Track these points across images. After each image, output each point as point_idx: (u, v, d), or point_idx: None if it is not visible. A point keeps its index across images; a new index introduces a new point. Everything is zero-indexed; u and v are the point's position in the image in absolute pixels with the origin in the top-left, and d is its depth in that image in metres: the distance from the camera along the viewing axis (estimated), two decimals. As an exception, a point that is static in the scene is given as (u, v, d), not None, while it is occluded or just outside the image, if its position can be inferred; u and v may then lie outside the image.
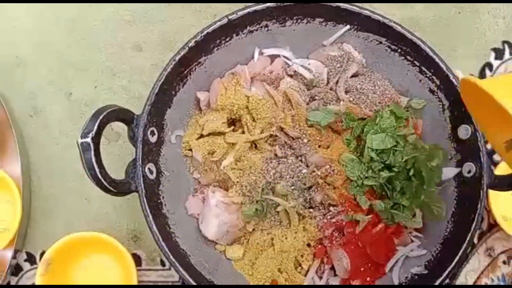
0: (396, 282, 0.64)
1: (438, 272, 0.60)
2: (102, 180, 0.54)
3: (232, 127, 0.68)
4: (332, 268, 0.65)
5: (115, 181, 0.56)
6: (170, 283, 0.72)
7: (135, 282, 0.67)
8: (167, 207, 0.63)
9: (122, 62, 0.78)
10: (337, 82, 0.69)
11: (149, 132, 0.61)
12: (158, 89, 0.62)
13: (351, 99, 0.68)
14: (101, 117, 0.55)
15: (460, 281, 0.73)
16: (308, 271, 0.65)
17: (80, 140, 0.53)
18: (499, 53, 0.81)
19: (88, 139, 0.53)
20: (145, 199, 0.58)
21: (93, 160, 0.53)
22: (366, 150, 0.63)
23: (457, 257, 0.60)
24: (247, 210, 0.63)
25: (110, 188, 0.55)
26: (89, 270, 0.71)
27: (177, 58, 0.63)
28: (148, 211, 0.58)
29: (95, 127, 0.54)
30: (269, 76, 0.69)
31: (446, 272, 0.59)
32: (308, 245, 0.65)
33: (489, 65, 0.81)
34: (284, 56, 0.71)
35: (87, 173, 0.54)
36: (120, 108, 0.58)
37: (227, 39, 0.67)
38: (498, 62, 0.81)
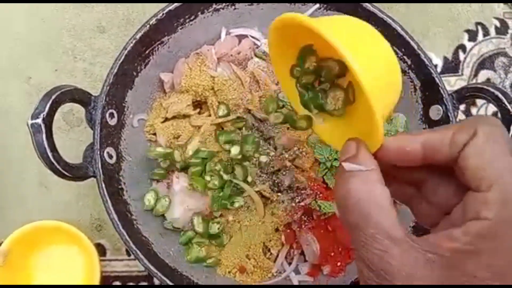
0: None
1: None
2: (55, 164, 0.51)
3: (198, 109, 0.66)
4: (302, 253, 0.63)
5: (70, 165, 0.53)
6: (135, 273, 0.69)
7: (98, 273, 0.64)
8: (128, 193, 0.60)
9: (83, 44, 0.76)
10: (306, 62, 0.67)
11: (107, 114, 0.58)
12: (117, 69, 0.59)
13: (320, 80, 0.65)
14: (53, 97, 0.52)
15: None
16: (277, 256, 0.63)
17: (30, 121, 0.50)
18: (472, 35, 0.80)
19: (39, 120, 0.50)
20: (103, 184, 0.55)
21: (45, 142, 0.50)
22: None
23: None
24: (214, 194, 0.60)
25: (64, 172, 0.52)
26: (50, 261, 0.67)
27: (137, 36, 0.60)
28: (107, 196, 0.55)
29: (47, 107, 0.51)
30: (237, 57, 0.67)
31: None
32: (277, 229, 0.63)
33: (462, 47, 0.80)
34: (252, 36, 0.69)
35: (39, 156, 0.51)
36: (75, 89, 0.55)
37: (192, 18, 0.64)
38: (472, 43, 0.80)
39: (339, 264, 0.61)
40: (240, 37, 0.68)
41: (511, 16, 0.82)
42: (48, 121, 0.51)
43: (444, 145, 0.31)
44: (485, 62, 0.80)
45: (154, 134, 0.65)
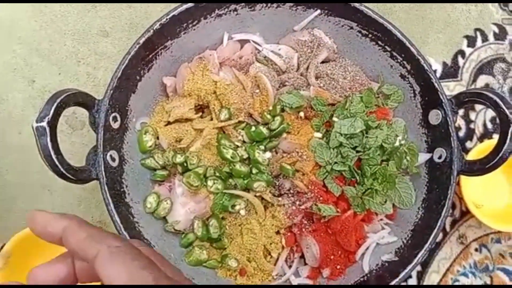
0: (366, 270, 0.63)
1: (409, 259, 0.59)
2: (59, 166, 0.52)
3: (200, 113, 0.66)
4: (302, 256, 0.64)
5: (74, 168, 0.54)
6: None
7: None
8: (130, 196, 0.61)
9: (87, 48, 0.76)
10: (307, 67, 0.68)
11: (111, 118, 0.59)
12: (121, 73, 0.59)
13: (321, 84, 0.66)
14: (58, 100, 0.52)
15: (432, 269, 0.73)
16: (277, 259, 0.63)
17: (35, 125, 0.51)
18: (471, 40, 0.81)
19: (44, 124, 0.51)
20: (106, 187, 0.56)
21: (49, 145, 0.51)
22: (333, 135, 0.61)
23: (428, 243, 0.59)
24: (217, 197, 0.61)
25: (68, 175, 0.53)
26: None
27: (141, 41, 0.61)
28: (110, 199, 0.56)
29: (52, 111, 0.51)
30: (239, 62, 0.68)
31: (416, 258, 0.58)
32: (277, 232, 0.63)
33: (461, 53, 0.81)
34: (254, 41, 0.69)
35: (43, 159, 0.51)
36: (80, 92, 0.56)
37: (195, 23, 0.65)
38: (471, 49, 0.81)
39: (338, 267, 0.62)
40: (242, 42, 0.69)
41: (509, 22, 0.83)
42: (53, 124, 0.51)
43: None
44: (484, 68, 0.81)
45: (157, 137, 0.65)
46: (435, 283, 0.72)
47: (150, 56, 0.63)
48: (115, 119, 0.60)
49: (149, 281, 0.29)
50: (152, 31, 0.61)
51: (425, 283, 0.72)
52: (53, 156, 0.51)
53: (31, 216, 0.35)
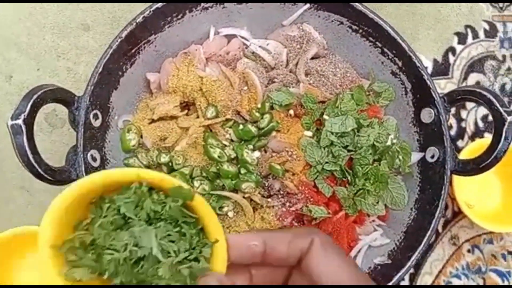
0: None
1: (402, 262, 0.58)
2: (36, 167, 0.49)
3: (186, 111, 0.64)
4: (292, 259, 0.62)
5: (52, 168, 0.51)
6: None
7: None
8: None
9: (68, 43, 0.73)
10: (296, 64, 0.66)
11: (91, 115, 0.57)
12: (102, 68, 0.57)
13: (311, 81, 0.65)
14: (34, 97, 0.50)
15: (425, 270, 0.72)
16: (266, 263, 0.61)
17: (10, 122, 0.48)
18: (462, 38, 0.80)
19: (19, 121, 0.48)
20: None
21: (25, 144, 0.48)
22: (324, 133, 0.59)
23: (421, 245, 0.57)
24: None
25: (46, 175, 0.50)
26: (34, 269, 0.65)
27: (123, 34, 0.58)
28: None
29: (28, 108, 0.49)
30: (226, 57, 0.66)
31: (410, 261, 0.57)
32: None
33: (452, 50, 0.79)
34: (241, 36, 0.67)
35: (19, 158, 0.49)
36: (58, 88, 0.53)
37: (179, 16, 0.63)
38: (461, 46, 0.80)
39: None
40: (229, 37, 0.67)
41: (499, 19, 0.82)
42: (29, 122, 0.49)
43: (283, 243, 0.35)
44: (475, 65, 0.80)
45: (140, 136, 0.63)
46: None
47: (133, 50, 0.61)
48: (96, 116, 0.57)
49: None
50: (134, 24, 0.59)
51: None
52: (30, 156, 0.48)
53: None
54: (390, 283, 0.56)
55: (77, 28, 0.73)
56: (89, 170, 0.55)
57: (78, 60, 0.73)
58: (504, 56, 0.80)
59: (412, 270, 0.71)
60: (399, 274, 0.57)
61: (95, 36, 0.73)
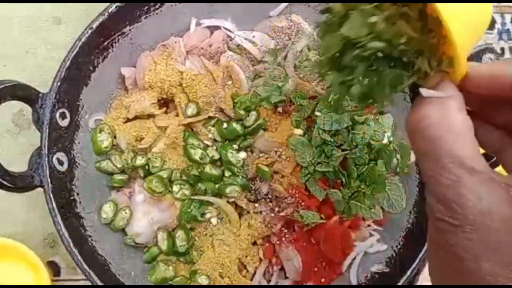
0: (354, 282, 0.58)
1: (401, 270, 0.55)
2: (-8, 173, 0.44)
3: (164, 108, 0.61)
4: (282, 269, 0.58)
5: (12, 174, 0.47)
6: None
7: (50, 295, 0.57)
8: (82, 205, 0.55)
9: (37, 37, 0.70)
10: (285, 57, 0.62)
11: (58, 114, 0.53)
12: (70, 62, 0.54)
13: (301, 75, 0.61)
14: (-10, 93, 0.44)
15: (424, 275, 0.68)
16: (254, 273, 0.58)
17: (-39, 122, 0.43)
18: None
19: (-29, 121, 0.43)
20: (51, 196, 0.49)
21: (-21, 147, 0.43)
22: (316, 131, 0.56)
23: (422, 252, 0.54)
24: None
25: (4, 182, 0.46)
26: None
27: (94, 25, 0.55)
28: (56, 210, 0.50)
29: (-18, 106, 0.43)
30: (208, 50, 0.63)
31: (410, 270, 0.54)
32: (254, 243, 0.58)
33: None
34: (225, 28, 0.64)
35: (-29, 163, 0.43)
36: (19, 84, 0.49)
37: (157, 6, 0.60)
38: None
39: (323, 280, 0.57)
40: (212, 29, 0.64)
41: (497, 10, 0.79)
42: (-17, 121, 0.43)
43: None
44: (473, 58, 0.76)
45: (114, 136, 0.58)
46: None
47: (106, 43, 0.58)
48: (63, 115, 0.54)
49: None
50: (107, 14, 0.56)
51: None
52: (-16, 160, 0.43)
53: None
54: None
55: (47, 22, 0.70)
56: (55, 174, 0.50)
57: (49, 55, 0.69)
58: (502, 49, 0.77)
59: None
60: (398, 284, 0.53)
61: (67, 30, 0.70)
